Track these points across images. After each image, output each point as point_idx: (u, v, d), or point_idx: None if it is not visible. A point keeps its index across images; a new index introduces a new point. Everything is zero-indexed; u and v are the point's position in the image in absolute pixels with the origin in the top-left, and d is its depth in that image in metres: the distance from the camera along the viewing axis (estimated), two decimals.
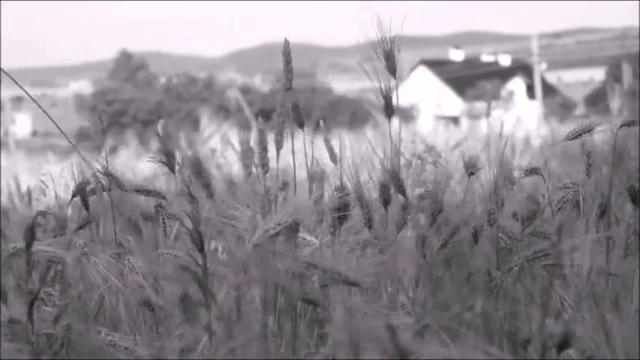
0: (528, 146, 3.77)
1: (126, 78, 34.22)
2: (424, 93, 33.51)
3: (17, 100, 39.24)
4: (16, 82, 1.24)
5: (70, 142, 1.32)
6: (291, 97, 1.19)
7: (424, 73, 38.99)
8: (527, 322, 1.15)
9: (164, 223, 1.28)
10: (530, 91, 34.67)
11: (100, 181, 1.29)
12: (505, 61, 42.09)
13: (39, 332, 1.09)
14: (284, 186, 1.26)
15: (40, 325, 1.09)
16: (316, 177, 1.20)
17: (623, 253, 1.16)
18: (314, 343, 1.11)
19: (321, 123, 1.47)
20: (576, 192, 1.30)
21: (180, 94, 33.12)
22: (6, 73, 1.22)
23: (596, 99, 30.47)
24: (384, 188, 1.12)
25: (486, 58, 45.82)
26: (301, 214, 0.90)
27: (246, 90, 31.13)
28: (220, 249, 1.12)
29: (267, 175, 1.15)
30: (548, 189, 1.31)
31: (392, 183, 1.14)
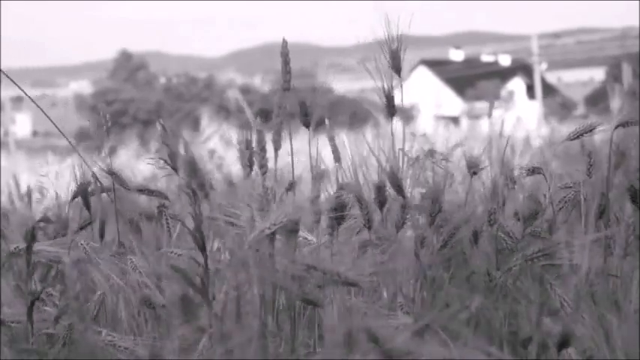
0: (528, 146, 3.77)
1: (126, 78, 34.23)
2: (424, 93, 33.49)
3: (17, 100, 39.25)
4: (16, 84, 1.24)
5: (70, 143, 1.32)
6: (291, 97, 1.19)
7: (424, 73, 38.99)
8: (527, 321, 1.15)
9: (167, 222, 1.28)
10: (530, 91, 34.67)
11: (100, 182, 1.30)
12: (505, 61, 42.10)
13: (39, 332, 1.09)
14: (291, 186, 1.26)
15: (40, 325, 1.09)
16: (316, 177, 1.20)
17: (623, 253, 1.16)
18: (313, 344, 1.11)
19: (327, 122, 1.48)
20: (577, 192, 1.31)
21: (180, 94, 33.13)
22: (6, 75, 1.22)
23: (596, 99, 30.47)
24: (379, 189, 1.12)
25: (486, 58, 45.84)
26: (297, 213, 0.90)
27: (246, 90, 31.14)
28: (222, 249, 1.12)
29: (266, 175, 1.15)
30: (549, 188, 1.31)
31: (390, 184, 1.14)
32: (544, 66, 41.17)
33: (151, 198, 1.31)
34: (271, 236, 0.89)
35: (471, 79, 36.57)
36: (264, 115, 1.18)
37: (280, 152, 1.18)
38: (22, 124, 45.42)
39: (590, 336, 0.89)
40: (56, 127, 1.28)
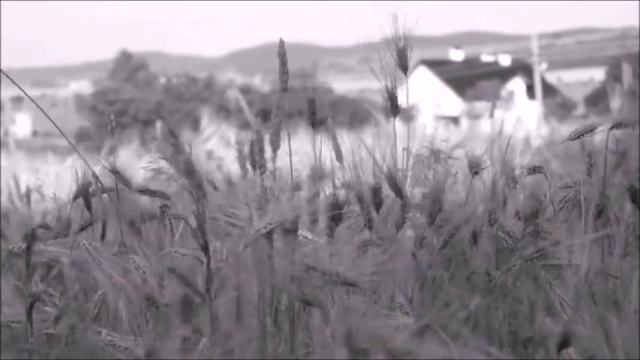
0: (528, 146, 3.77)
1: (126, 78, 34.23)
2: (424, 93, 33.47)
3: (17, 100, 39.24)
4: (16, 84, 1.24)
5: (70, 143, 1.32)
6: (289, 97, 1.19)
7: (424, 73, 38.96)
8: (527, 321, 1.15)
9: (170, 222, 1.28)
10: (530, 91, 34.66)
11: (101, 182, 1.30)
12: (505, 61, 42.08)
13: (39, 332, 1.09)
14: (297, 187, 1.26)
15: (40, 325, 1.09)
16: (314, 176, 1.20)
17: (623, 252, 1.16)
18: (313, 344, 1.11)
19: (329, 121, 1.48)
20: (578, 191, 1.31)
21: (180, 94, 33.13)
22: (6, 75, 1.22)
23: (596, 99, 30.47)
24: (375, 191, 1.11)
25: (486, 58, 45.81)
26: (294, 213, 0.90)
27: (246, 90, 31.13)
28: (221, 249, 1.12)
29: (265, 175, 1.15)
30: (550, 187, 1.31)
31: (388, 185, 1.13)
32: (544, 66, 41.17)
33: (153, 198, 1.31)
34: (269, 236, 0.89)
35: (471, 79, 36.55)
36: (264, 115, 1.18)
37: (280, 152, 1.18)
38: (22, 124, 45.43)
39: (590, 336, 0.89)
40: (56, 127, 1.28)
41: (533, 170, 1.35)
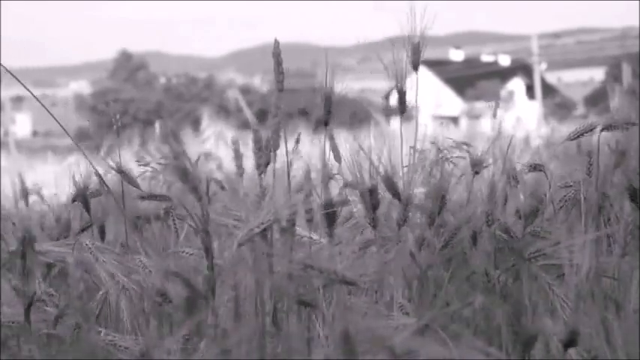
0: (528, 146, 3.77)
1: (126, 78, 34.22)
2: (424, 93, 33.38)
3: (17, 100, 39.24)
4: (20, 81, 1.24)
5: (74, 142, 1.32)
6: (288, 97, 1.19)
7: (424, 73, 38.88)
8: (527, 321, 1.15)
9: (174, 223, 1.29)
10: (530, 91, 34.65)
11: (105, 182, 1.30)
12: (505, 61, 42.06)
13: (39, 332, 1.09)
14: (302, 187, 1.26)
15: (40, 325, 1.09)
16: (307, 176, 1.20)
17: (622, 252, 1.16)
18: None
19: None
20: (577, 191, 1.31)
21: (180, 94, 33.12)
22: (9, 72, 1.22)
23: (596, 99, 30.45)
24: (371, 193, 1.11)
25: (486, 58, 45.80)
26: (288, 211, 0.90)
27: (246, 90, 31.13)
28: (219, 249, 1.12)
29: (264, 174, 1.15)
30: (550, 186, 1.31)
31: (385, 186, 1.13)
32: (544, 66, 41.14)
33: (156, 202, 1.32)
34: (264, 234, 0.89)
35: (471, 79, 36.54)
36: (264, 115, 1.18)
37: (279, 152, 1.18)
38: (22, 124, 45.42)
39: (590, 336, 0.89)
40: (60, 125, 1.29)
41: (534, 168, 1.36)
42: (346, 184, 1.21)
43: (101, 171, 1.29)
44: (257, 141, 1.09)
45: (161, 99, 32.41)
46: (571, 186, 1.33)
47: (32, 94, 1.26)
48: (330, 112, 1.19)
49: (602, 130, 1.25)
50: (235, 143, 1.28)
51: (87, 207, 1.33)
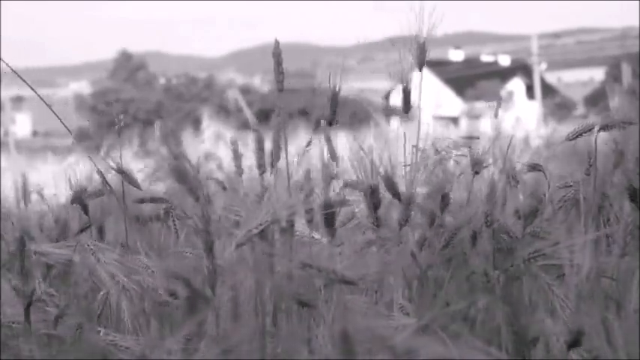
0: (528, 146, 3.77)
1: (126, 78, 34.22)
2: (424, 93, 33.33)
3: (17, 100, 39.24)
4: (24, 80, 1.25)
5: (76, 141, 1.32)
6: (288, 97, 1.19)
7: (424, 73, 38.83)
8: (527, 321, 1.15)
9: (174, 223, 1.29)
10: (530, 91, 34.64)
11: (107, 182, 1.30)
12: (505, 61, 42.05)
13: (39, 332, 1.09)
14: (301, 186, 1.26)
15: (40, 326, 1.09)
16: (307, 175, 1.20)
17: (621, 252, 1.16)
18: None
19: (323, 122, 1.47)
20: (577, 191, 1.31)
21: (180, 94, 33.12)
22: (13, 70, 1.22)
23: (596, 99, 30.44)
24: (372, 192, 1.11)
25: (486, 58, 45.79)
26: (285, 212, 0.90)
27: (246, 90, 31.14)
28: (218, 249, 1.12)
29: (264, 175, 1.15)
30: (549, 186, 1.31)
31: (385, 187, 1.13)
32: (544, 66, 41.13)
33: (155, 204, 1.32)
34: (263, 234, 0.89)
35: (471, 79, 36.54)
36: (264, 115, 1.18)
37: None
38: (22, 124, 45.40)
39: (592, 336, 0.89)
40: (63, 124, 1.29)
41: (533, 167, 1.36)
42: (346, 184, 1.21)
43: (103, 170, 1.29)
44: (258, 141, 1.09)
45: (161, 99, 32.41)
46: (570, 186, 1.33)
47: (36, 92, 1.26)
48: (335, 112, 1.19)
49: (599, 130, 1.25)
50: (234, 143, 1.28)
51: (85, 209, 1.33)
